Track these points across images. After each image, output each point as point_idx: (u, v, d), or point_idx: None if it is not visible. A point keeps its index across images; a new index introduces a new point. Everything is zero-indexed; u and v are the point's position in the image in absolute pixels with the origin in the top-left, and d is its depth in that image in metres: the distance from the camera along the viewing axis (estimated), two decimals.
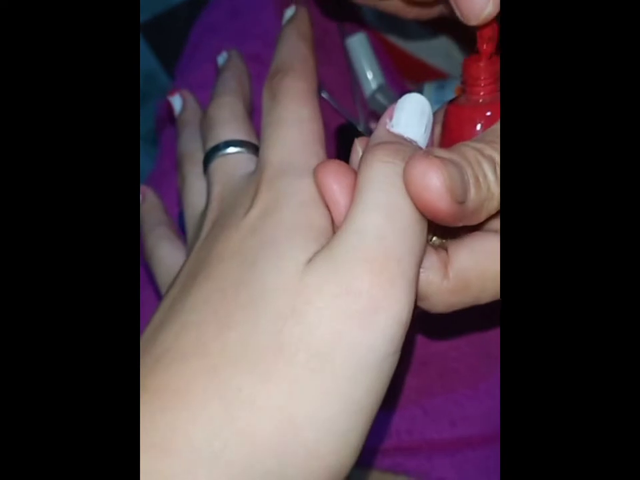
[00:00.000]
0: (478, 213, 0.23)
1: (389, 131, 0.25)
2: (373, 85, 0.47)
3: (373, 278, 0.21)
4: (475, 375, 0.40)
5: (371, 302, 0.21)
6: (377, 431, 0.38)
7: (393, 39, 0.50)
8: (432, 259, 0.24)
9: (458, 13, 0.26)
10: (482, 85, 0.27)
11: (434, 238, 0.27)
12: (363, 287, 0.21)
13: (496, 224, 0.26)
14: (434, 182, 0.21)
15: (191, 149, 0.33)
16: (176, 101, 0.37)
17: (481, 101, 0.27)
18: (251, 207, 0.25)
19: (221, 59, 0.36)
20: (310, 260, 0.23)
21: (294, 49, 0.31)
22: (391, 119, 0.25)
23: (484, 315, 0.38)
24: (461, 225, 0.23)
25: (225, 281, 0.24)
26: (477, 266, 0.25)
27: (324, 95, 0.46)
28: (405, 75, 0.51)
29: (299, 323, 0.22)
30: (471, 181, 0.22)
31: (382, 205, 0.22)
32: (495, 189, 0.23)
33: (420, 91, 0.48)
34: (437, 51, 0.50)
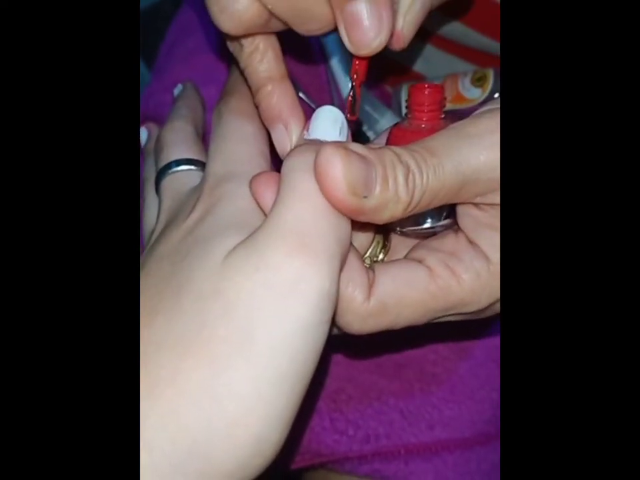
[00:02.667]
0: (380, 212, 0.24)
1: (305, 139, 0.27)
2: (350, 86, 0.46)
3: (293, 252, 0.22)
4: (453, 378, 0.40)
5: (292, 273, 0.22)
6: (353, 435, 0.38)
7: None
8: (361, 278, 0.25)
9: (346, 42, 0.26)
10: (425, 111, 0.28)
11: (366, 256, 0.29)
12: (282, 261, 0.22)
13: (419, 254, 0.27)
14: (334, 170, 0.22)
15: (151, 174, 0.34)
16: (142, 134, 0.40)
17: (423, 126, 0.28)
18: (191, 211, 0.27)
19: (176, 90, 0.39)
20: (234, 247, 0.24)
21: (240, 76, 0.32)
22: (308, 129, 0.27)
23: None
24: (362, 220, 0.24)
25: (159, 276, 0.25)
26: (396, 293, 0.26)
27: (302, 95, 0.46)
28: (382, 77, 0.51)
29: (219, 299, 0.22)
30: (379, 180, 0.23)
31: (296, 191, 0.23)
32: (403, 193, 0.24)
33: (398, 92, 0.48)
34: (415, 54, 0.50)
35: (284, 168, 0.24)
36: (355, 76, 0.29)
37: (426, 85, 0.28)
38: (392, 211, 0.24)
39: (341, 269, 0.24)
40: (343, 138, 0.27)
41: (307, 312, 0.22)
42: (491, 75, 0.44)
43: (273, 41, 0.29)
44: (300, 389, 0.22)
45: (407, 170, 0.24)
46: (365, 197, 0.23)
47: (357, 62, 0.28)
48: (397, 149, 0.24)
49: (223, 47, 0.46)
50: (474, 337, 0.41)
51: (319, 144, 0.26)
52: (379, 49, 0.26)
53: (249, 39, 0.29)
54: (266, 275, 0.22)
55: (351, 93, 0.29)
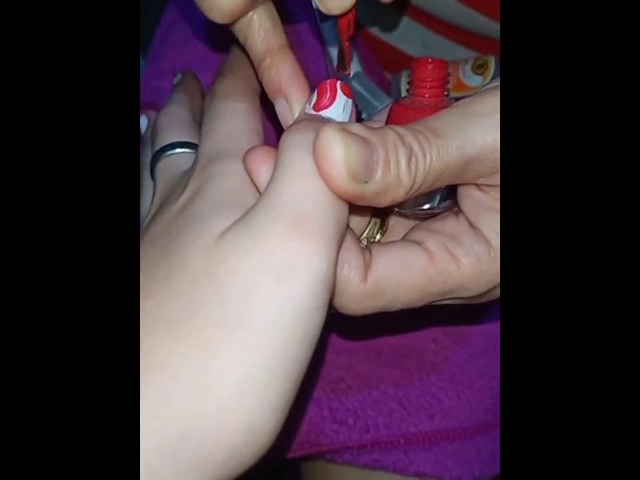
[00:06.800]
0: (382, 196, 0.23)
1: (306, 113, 0.26)
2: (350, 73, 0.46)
3: (289, 234, 0.22)
4: (452, 367, 0.40)
5: (287, 255, 0.21)
6: (353, 424, 0.38)
7: (370, 28, 0.49)
8: (357, 258, 0.25)
9: (317, 2, 0.26)
10: (428, 87, 0.27)
11: (363, 236, 0.28)
12: (278, 243, 0.22)
13: (419, 235, 0.26)
14: (334, 154, 0.22)
15: (149, 160, 0.33)
16: (142, 122, 0.39)
17: (425, 103, 0.27)
18: (182, 192, 0.26)
19: (176, 79, 0.38)
20: (227, 228, 0.23)
21: (235, 57, 0.32)
22: (310, 103, 0.26)
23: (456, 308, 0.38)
24: (363, 204, 0.24)
25: (151, 258, 0.24)
26: (394, 274, 0.25)
27: None
28: (382, 63, 0.50)
29: (212, 283, 0.22)
30: (380, 163, 0.22)
31: (294, 170, 0.23)
32: (405, 177, 0.23)
33: (398, 79, 0.48)
34: (414, 40, 0.49)
35: (281, 144, 0.24)
36: (342, 32, 0.28)
37: (429, 60, 0.27)
38: (393, 195, 0.23)
39: (338, 252, 0.23)
40: (346, 116, 0.26)
41: (302, 295, 0.21)
42: (492, 62, 0.43)
43: (269, 11, 0.29)
44: (295, 376, 0.22)
45: (410, 152, 0.23)
46: (366, 181, 0.22)
47: (341, 19, 0.28)
48: (400, 130, 0.23)
49: (219, 32, 0.45)
50: (473, 322, 0.40)
51: (320, 120, 0.25)
52: (351, 6, 0.26)
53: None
54: (260, 257, 0.21)
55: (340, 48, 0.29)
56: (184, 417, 0.20)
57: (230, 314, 0.21)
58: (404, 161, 0.23)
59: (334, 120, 0.25)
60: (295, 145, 0.23)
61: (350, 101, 0.26)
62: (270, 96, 0.29)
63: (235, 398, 0.21)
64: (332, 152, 0.22)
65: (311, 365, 0.23)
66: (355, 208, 0.26)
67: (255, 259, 0.21)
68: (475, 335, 0.40)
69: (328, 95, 0.26)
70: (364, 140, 0.22)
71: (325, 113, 0.25)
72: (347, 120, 0.26)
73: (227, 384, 0.21)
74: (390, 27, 0.48)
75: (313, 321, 0.22)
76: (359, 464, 0.39)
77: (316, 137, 0.22)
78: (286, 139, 0.24)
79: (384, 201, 0.23)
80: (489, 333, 0.41)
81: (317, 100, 0.26)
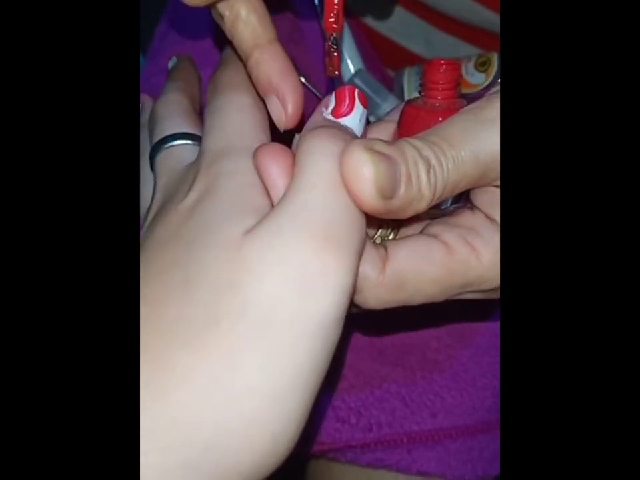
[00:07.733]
0: (404, 210, 0.24)
1: (325, 118, 0.26)
2: (352, 70, 0.46)
3: (318, 246, 0.21)
4: (455, 365, 0.40)
5: (318, 268, 0.21)
6: (355, 423, 0.38)
7: (372, 24, 0.49)
8: (372, 254, 0.25)
9: None
10: (440, 89, 0.27)
11: (376, 235, 0.28)
12: (307, 254, 0.21)
13: (435, 229, 0.26)
14: (365, 174, 0.22)
15: (145, 148, 0.33)
16: None
17: (437, 105, 0.27)
18: (189, 191, 0.25)
19: (171, 62, 0.37)
20: (248, 232, 0.22)
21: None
22: (327, 107, 0.26)
23: (463, 305, 0.37)
24: (385, 217, 0.24)
25: (162, 263, 0.23)
26: (414, 267, 0.25)
27: (301, 79, 0.45)
28: (384, 60, 0.50)
29: (238, 293, 0.21)
30: (403, 178, 0.23)
31: (323, 180, 0.23)
32: (426, 190, 0.23)
33: (400, 76, 0.48)
34: (417, 37, 0.49)
35: (302, 147, 0.23)
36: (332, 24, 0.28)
37: (442, 62, 0.27)
38: (416, 208, 0.24)
39: (358, 264, 0.23)
40: (361, 125, 0.26)
41: (329, 307, 0.21)
42: (495, 59, 0.43)
43: (255, 4, 0.28)
44: (315, 385, 0.22)
45: (428, 165, 0.23)
46: (390, 197, 0.23)
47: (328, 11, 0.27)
48: (416, 142, 0.24)
49: (219, 29, 0.45)
50: (481, 319, 0.40)
51: (341, 129, 0.25)
52: None
53: (229, 6, 0.27)
54: (289, 269, 0.21)
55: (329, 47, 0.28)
56: (208, 430, 0.20)
57: (255, 325, 0.21)
58: (424, 174, 0.23)
59: (351, 129, 0.26)
60: (322, 153, 0.23)
61: (365, 110, 0.26)
62: (261, 92, 0.28)
63: (260, 409, 0.20)
64: (362, 172, 0.22)
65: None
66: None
67: (284, 269, 0.21)
68: (477, 333, 0.40)
69: (347, 103, 0.26)
70: (388, 157, 0.22)
71: (343, 121, 0.25)
72: (361, 129, 0.26)
73: (252, 395, 0.20)
74: (384, 17, 0.48)
75: (335, 331, 0.22)
76: (362, 463, 0.39)
77: (345, 154, 0.22)
78: (309, 144, 0.23)
79: (406, 214, 0.24)
80: (492, 331, 0.41)
81: (335, 106, 0.26)
